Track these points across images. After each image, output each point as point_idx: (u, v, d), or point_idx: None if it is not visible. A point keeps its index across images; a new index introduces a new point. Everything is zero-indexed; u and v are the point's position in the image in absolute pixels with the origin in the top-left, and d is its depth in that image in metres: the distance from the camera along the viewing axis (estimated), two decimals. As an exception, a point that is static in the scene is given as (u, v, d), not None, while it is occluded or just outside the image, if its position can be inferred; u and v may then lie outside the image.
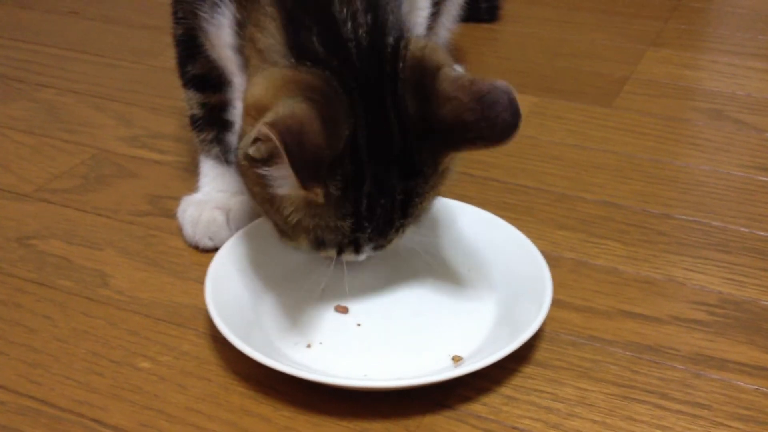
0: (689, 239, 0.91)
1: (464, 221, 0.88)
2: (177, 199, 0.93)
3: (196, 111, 0.91)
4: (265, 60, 0.70)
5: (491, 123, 0.67)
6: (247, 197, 0.91)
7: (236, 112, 0.78)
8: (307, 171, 0.63)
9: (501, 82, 0.67)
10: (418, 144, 0.69)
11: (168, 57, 0.93)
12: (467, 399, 0.70)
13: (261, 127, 0.61)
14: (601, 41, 1.44)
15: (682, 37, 1.46)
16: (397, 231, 0.73)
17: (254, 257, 0.83)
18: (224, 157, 0.91)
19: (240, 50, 0.74)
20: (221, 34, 0.76)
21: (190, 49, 0.86)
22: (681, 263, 0.87)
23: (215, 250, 0.85)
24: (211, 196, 0.91)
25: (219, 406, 0.70)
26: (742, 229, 0.92)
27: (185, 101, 0.92)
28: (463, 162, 1.04)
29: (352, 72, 0.67)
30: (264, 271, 0.82)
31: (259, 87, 0.68)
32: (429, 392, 0.70)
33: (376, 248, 0.74)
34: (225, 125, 0.90)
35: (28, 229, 0.93)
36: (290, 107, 0.63)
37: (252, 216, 0.89)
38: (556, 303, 0.77)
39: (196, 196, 0.92)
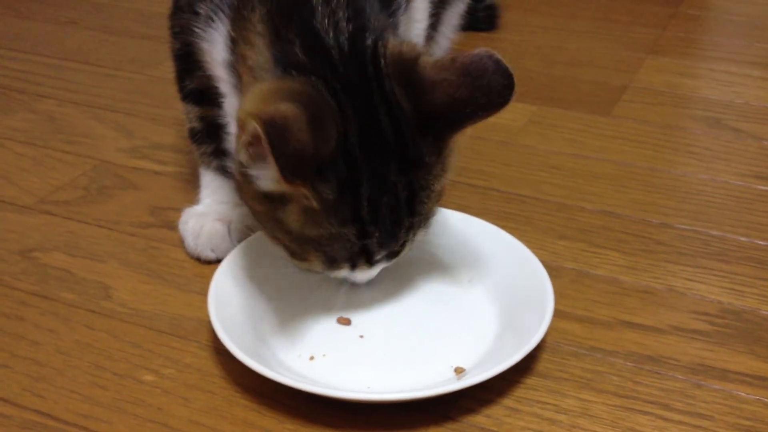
0: (688, 249, 0.91)
1: (464, 232, 0.88)
2: (178, 211, 0.93)
3: (195, 124, 0.91)
4: (255, 77, 0.71)
5: (486, 91, 0.67)
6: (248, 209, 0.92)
7: (232, 135, 0.78)
8: (289, 163, 0.62)
9: (480, 49, 0.68)
10: (417, 135, 0.69)
11: (167, 67, 0.93)
12: (470, 411, 0.71)
13: (248, 124, 0.62)
14: (598, 49, 1.45)
15: (680, 45, 1.47)
16: (407, 232, 0.72)
17: (257, 269, 0.83)
18: (224, 169, 0.92)
19: (233, 68, 0.74)
20: (215, 51, 0.77)
21: (188, 63, 0.87)
22: (681, 273, 0.87)
23: (217, 261, 0.85)
24: (213, 208, 0.92)
25: (223, 419, 0.70)
26: (741, 239, 0.93)
27: (184, 114, 0.93)
28: (463, 172, 1.05)
29: (336, 76, 0.68)
30: (266, 283, 0.83)
31: (248, 101, 0.68)
32: (432, 404, 0.70)
33: (389, 256, 0.73)
34: (224, 138, 0.90)
35: (31, 241, 0.93)
36: (275, 106, 0.63)
37: (254, 228, 0.90)
38: (557, 313, 0.77)
39: (197, 208, 0.92)
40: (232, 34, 0.74)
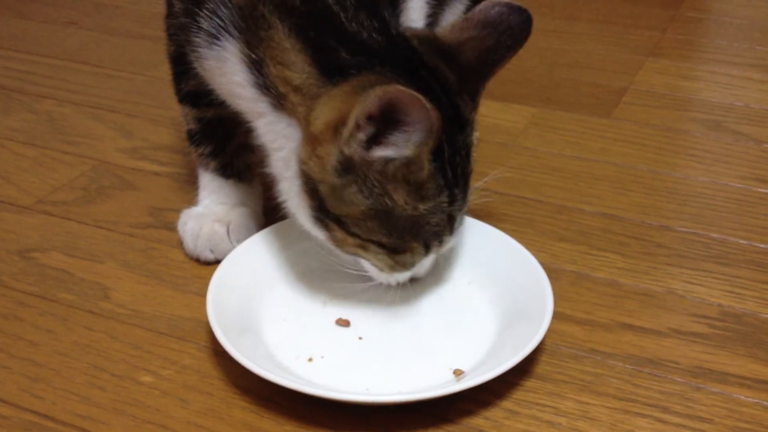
0: (689, 251, 0.91)
1: (464, 234, 0.88)
2: (177, 212, 0.93)
3: (193, 126, 0.91)
4: (306, 95, 0.71)
5: (509, 32, 0.74)
6: (247, 209, 0.92)
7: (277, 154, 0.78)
8: (430, 118, 0.65)
9: (483, 3, 0.75)
10: (460, 96, 0.74)
11: (167, 68, 0.93)
12: (469, 413, 0.70)
13: (366, 101, 0.65)
14: (599, 52, 1.45)
15: (680, 47, 1.47)
16: (470, 187, 0.77)
17: (255, 271, 0.83)
18: (224, 170, 0.91)
19: (265, 88, 0.73)
20: (228, 71, 0.76)
21: (183, 65, 0.86)
22: (681, 276, 0.87)
23: (216, 262, 0.85)
24: (211, 209, 0.92)
25: (221, 420, 0.70)
26: (741, 242, 0.92)
27: (182, 116, 0.93)
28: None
29: (388, 63, 0.71)
30: (265, 284, 0.82)
31: (327, 111, 0.70)
32: (431, 406, 0.70)
33: (462, 219, 0.77)
34: (222, 139, 0.90)
35: (29, 241, 0.93)
36: (373, 88, 0.66)
37: (253, 228, 0.90)
38: (556, 316, 0.77)
39: (196, 209, 0.92)
40: (253, 55, 0.73)
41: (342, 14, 0.71)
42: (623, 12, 1.62)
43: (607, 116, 1.22)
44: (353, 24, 0.71)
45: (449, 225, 0.75)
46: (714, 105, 1.25)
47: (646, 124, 1.19)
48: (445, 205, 0.73)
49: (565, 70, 1.38)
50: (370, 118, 0.66)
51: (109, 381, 0.74)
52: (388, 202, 0.71)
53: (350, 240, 0.74)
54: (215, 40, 0.75)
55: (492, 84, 1.29)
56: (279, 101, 0.73)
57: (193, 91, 0.88)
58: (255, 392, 0.72)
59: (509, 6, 0.74)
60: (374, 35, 0.72)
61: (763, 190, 1.02)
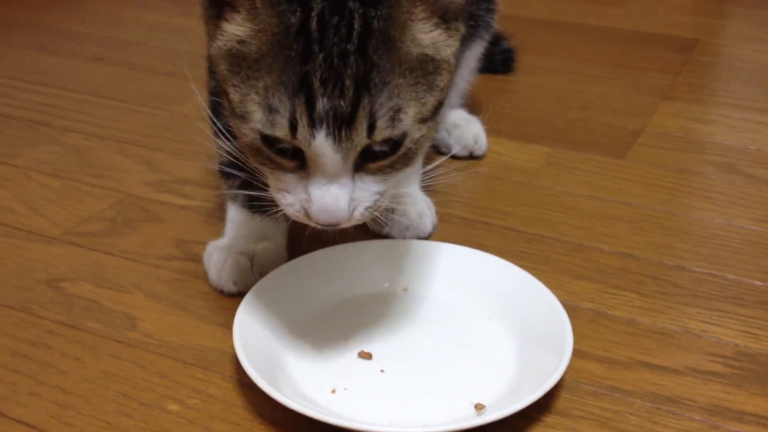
0: (705, 292, 0.92)
1: (483, 270, 0.90)
2: (202, 244, 0.95)
3: (225, 159, 0.93)
4: None
5: None
6: (271, 244, 0.93)
7: None
8: None
9: None
10: None
11: (192, 104, 0.95)
12: (490, 447, 0.72)
13: None
14: (613, 94, 1.47)
15: (693, 90, 1.49)
16: (357, 86, 0.64)
17: (279, 303, 0.85)
18: (250, 204, 0.94)
19: None
20: None
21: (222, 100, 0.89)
22: (697, 315, 0.88)
23: (239, 294, 0.87)
24: (236, 242, 0.94)
25: (246, 449, 0.71)
26: (757, 283, 0.94)
27: (216, 150, 0.95)
28: (479, 211, 1.07)
29: None
30: (289, 316, 0.84)
31: None
32: (452, 439, 0.71)
33: (335, 117, 0.64)
34: (251, 174, 0.92)
35: (57, 271, 0.95)
36: None
37: (276, 262, 0.92)
38: (575, 353, 0.78)
39: (221, 241, 0.94)
40: None
41: None
42: (636, 55, 1.65)
43: (622, 157, 1.24)
44: None
45: (305, 101, 0.64)
46: (727, 148, 1.27)
47: (660, 166, 1.21)
48: (295, 53, 0.64)
49: (580, 111, 1.40)
50: None
51: (137, 409, 0.75)
52: (226, 28, 0.67)
53: (216, 75, 0.70)
54: None
55: (508, 124, 1.33)
56: None
57: (229, 125, 0.90)
58: (279, 422, 0.73)
59: None
60: None
61: (777, 233, 1.04)
